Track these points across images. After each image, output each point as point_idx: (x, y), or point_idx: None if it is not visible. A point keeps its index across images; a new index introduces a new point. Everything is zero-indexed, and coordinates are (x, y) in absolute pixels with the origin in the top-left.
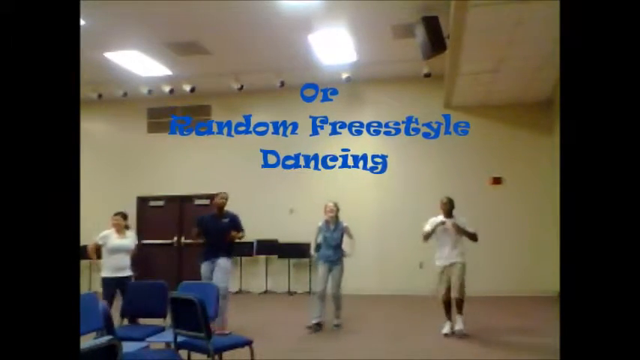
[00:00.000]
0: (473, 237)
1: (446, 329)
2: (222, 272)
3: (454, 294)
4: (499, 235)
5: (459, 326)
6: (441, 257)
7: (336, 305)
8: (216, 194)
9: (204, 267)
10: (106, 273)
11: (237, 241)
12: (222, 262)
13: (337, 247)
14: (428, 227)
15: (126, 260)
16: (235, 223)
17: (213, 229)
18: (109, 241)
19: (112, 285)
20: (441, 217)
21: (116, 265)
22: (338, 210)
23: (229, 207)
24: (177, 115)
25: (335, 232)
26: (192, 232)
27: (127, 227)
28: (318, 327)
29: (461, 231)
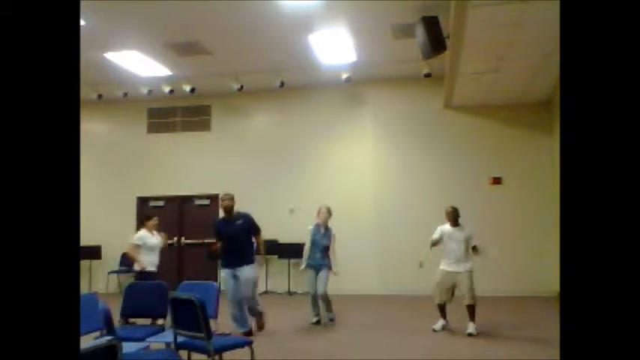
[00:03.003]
0: (476, 250)
1: (437, 326)
2: (246, 283)
3: (466, 301)
4: (499, 235)
5: (470, 330)
6: (447, 263)
7: (325, 305)
8: (221, 197)
9: (225, 274)
10: (151, 267)
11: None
12: (246, 272)
13: (324, 251)
14: (435, 236)
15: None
16: (249, 224)
17: (226, 234)
18: (149, 241)
19: (151, 279)
20: (447, 227)
21: (153, 261)
22: (329, 214)
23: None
24: (177, 115)
25: (324, 237)
26: (215, 247)
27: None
28: (318, 323)
29: (476, 250)
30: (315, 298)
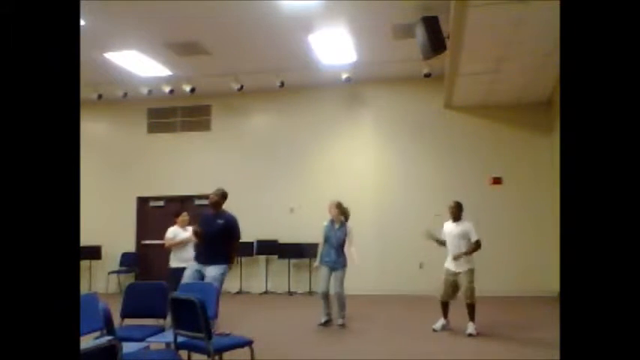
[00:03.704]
0: (476, 249)
1: (437, 325)
2: (211, 280)
3: (465, 300)
4: (499, 235)
5: (469, 330)
6: (449, 260)
7: (340, 305)
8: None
9: (190, 268)
10: (183, 263)
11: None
12: (211, 271)
13: (339, 248)
14: (442, 237)
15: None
16: (229, 227)
17: (207, 230)
18: (181, 236)
19: (178, 275)
20: (449, 223)
21: (185, 256)
22: (341, 209)
23: (231, 207)
24: (177, 115)
25: (338, 232)
26: (193, 230)
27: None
28: (327, 323)
29: (468, 253)
30: (325, 297)
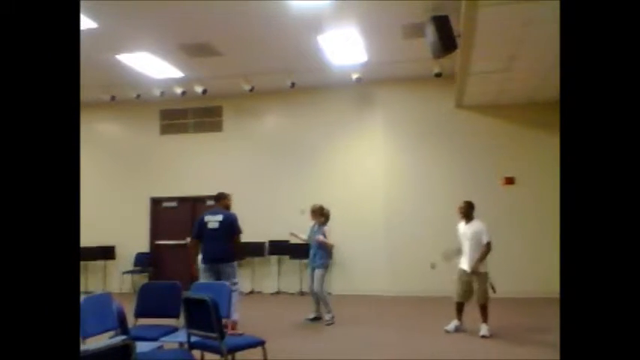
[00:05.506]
0: (487, 252)
1: (449, 327)
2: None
3: (477, 301)
4: (512, 236)
5: (482, 332)
6: (463, 261)
7: (322, 303)
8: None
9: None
10: None
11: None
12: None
13: (317, 249)
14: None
15: None
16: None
17: None
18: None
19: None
20: (462, 224)
21: None
22: (318, 212)
23: (242, 207)
24: (189, 116)
25: (315, 234)
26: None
27: None
28: (314, 320)
29: (480, 260)
30: (312, 294)
